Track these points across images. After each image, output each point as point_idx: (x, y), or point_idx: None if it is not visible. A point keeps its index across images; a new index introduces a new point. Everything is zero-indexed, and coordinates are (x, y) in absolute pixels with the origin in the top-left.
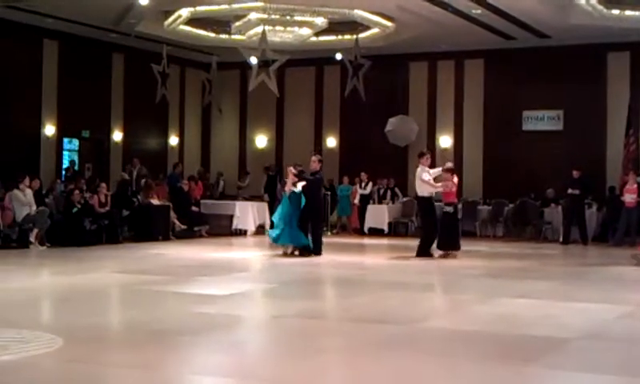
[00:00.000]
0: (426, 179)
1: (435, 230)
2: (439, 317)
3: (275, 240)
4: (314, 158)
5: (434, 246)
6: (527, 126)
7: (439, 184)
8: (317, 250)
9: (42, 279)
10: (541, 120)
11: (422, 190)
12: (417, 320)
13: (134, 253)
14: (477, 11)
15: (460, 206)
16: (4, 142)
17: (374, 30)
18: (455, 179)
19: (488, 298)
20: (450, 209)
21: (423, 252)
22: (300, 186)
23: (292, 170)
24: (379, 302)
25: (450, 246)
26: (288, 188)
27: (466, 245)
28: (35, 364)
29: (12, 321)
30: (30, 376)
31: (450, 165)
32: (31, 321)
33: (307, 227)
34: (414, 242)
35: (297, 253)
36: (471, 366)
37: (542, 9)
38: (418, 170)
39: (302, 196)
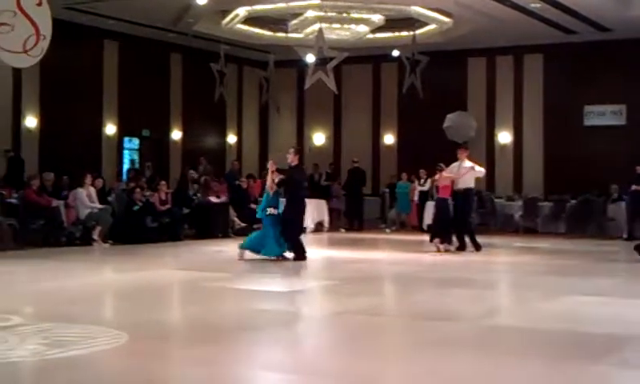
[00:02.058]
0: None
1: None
2: (503, 314)
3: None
4: (290, 150)
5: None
6: (589, 122)
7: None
8: (298, 254)
9: (106, 276)
10: (603, 115)
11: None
12: (481, 317)
13: (194, 250)
14: (536, 5)
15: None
16: (67, 141)
17: (432, 26)
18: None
19: (551, 295)
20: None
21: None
22: (277, 178)
23: (271, 165)
24: (441, 299)
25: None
26: (270, 184)
27: (527, 242)
28: (103, 359)
29: (78, 317)
30: (99, 370)
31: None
32: (97, 317)
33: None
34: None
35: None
36: (537, 364)
37: (602, 1)
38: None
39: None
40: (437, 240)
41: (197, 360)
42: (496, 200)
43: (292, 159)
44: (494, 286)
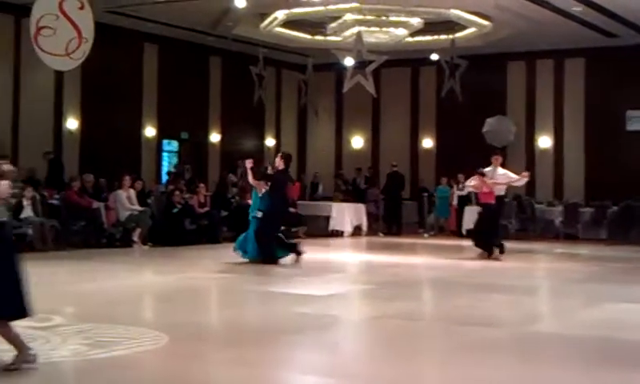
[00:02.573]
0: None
1: None
2: (544, 320)
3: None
4: (278, 154)
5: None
6: (631, 126)
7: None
8: (266, 258)
9: (146, 278)
10: None
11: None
12: (521, 323)
13: (232, 253)
14: (577, 8)
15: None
16: (107, 144)
17: (471, 30)
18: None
19: (592, 302)
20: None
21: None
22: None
23: (249, 162)
24: (479, 305)
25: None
26: (254, 183)
27: (567, 248)
28: (144, 360)
29: (119, 318)
30: (140, 371)
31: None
32: (137, 318)
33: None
34: (513, 245)
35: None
36: (578, 372)
37: None
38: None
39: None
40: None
41: (235, 362)
42: (536, 205)
43: (278, 163)
44: (533, 292)
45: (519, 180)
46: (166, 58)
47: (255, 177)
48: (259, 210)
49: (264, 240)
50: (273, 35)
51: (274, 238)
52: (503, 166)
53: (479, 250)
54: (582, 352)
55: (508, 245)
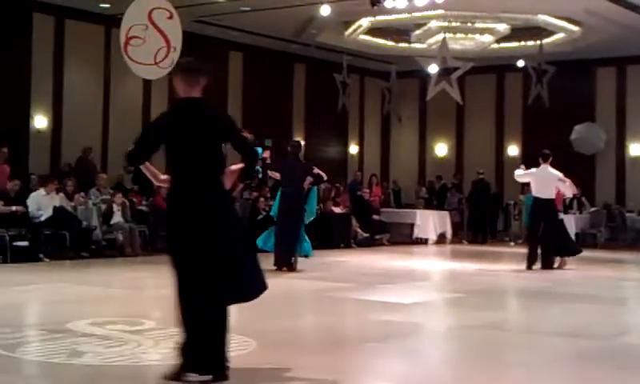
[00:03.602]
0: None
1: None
2: (635, 332)
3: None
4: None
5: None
6: None
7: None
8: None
9: None
10: None
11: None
12: (613, 335)
13: (316, 260)
14: None
15: None
16: None
17: (559, 35)
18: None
19: None
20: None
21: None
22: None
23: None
24: (569, 315)
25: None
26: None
27: None
28: (233, 364)
29: None
30: (231, 373)
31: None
32: None
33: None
34: (603, 254)
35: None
36: None
37: None
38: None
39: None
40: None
41: (321, 369)
42: (627, 214)
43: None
44: (624, 302)
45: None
46: (251, 66)
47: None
48: None
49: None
50: (357, 43)
51: (297, 237)
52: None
53: (566, 258)
54: None
55: (597, 254)
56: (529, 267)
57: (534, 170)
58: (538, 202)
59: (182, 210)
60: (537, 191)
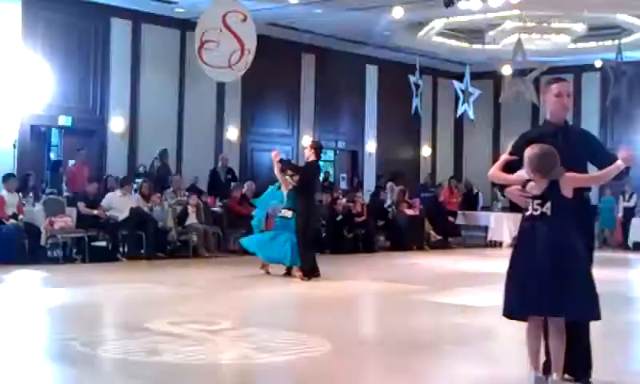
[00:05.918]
0: None
1: None
2: None
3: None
4: (307, 144)
5: None
6: None
7: None
8: (304, 268)
9: (306, 285)
10: None
11: None
12: None
13: (389, 261)
14: None
15: None
16: (266, 152)
17: (638, 35)
18: None
19: None
20: None
21: None
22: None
23: (275, 154)
24: None
25: None
26: (281, 180)
27: None
28: (309, 365)
29: (282, 324)
30: (306, 376)
31: None
32: (299, 324)
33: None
34: None
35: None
36: None
37: None
38: None
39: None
40: None
41: (397, 371)
42: None
43: (308, 154)
44: None
45: None
46: (324, 68)
47: (283, 170)
48: (288, 209)
49: (304, 246)
50: (430, 44)
51: (313, 243)
52: None
53: None
54: None
55: None
56: None
57: None
58: None
59: None
60: None
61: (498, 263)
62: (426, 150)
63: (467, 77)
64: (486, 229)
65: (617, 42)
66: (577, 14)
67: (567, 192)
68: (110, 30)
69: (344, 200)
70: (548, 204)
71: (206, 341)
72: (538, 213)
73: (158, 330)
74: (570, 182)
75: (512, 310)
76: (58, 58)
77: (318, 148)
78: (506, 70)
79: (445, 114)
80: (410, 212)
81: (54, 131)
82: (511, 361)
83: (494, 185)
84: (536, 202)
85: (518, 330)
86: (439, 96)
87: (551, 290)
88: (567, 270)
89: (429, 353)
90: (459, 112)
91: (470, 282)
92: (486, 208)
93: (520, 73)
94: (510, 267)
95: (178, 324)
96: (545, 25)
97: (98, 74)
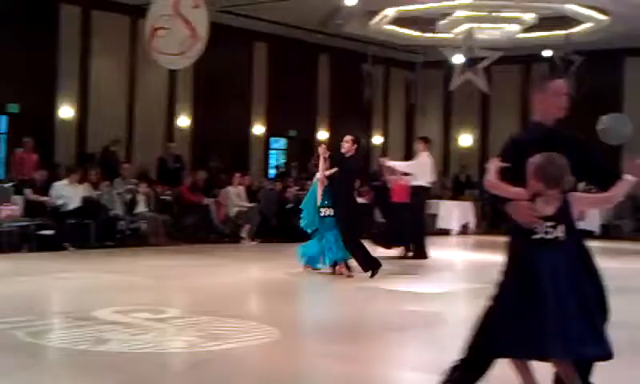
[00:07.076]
0: None
1: None
2: None
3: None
4: (347, 138)
5: None
6: None
7: None
8: (367, 265)
9: (254, 273)
10: None
11: None
12: None
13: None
14: None
15: None
16: (219, 141)
17: (587, 25)
18: None
19: None
20: None
21: None
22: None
23: (324, 150)
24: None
25: None
26: (321, 176)
27: None
28: (256, 353)
29: (231, 311)
30: (253, 363)
31: None
32: (248, 312)
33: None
34: (629, 245)
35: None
36: None
37: None
38: None
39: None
40: None
41: (345, 358)
42: None
43: (348, 148)
44: None
45: None
46: (275, 56)
47: (328, 168)
48: (328, 207)
49: (351, 242)
50: (382, 33)
51: (356, 236)
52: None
53: None
54: None
55: (622, 245)
56: None
57: None
58: None
59: None
60: None
61: (447, 251)
62: (377, 139)
63: (419, 66)
64: (434, 217)
65: (565, 32)
66: (527, 4)
67: (574, 213)
68: (58, 15)
69: (295, 188)
70: (562, 227)
71: (153, 329)
72: (551, 237)
73: (105, 319)
74: (578, 202)
75: (517, 351)
76: (4, 44)
77: (359, 142)
78: (457, 59)
79: (397, 103)
80: (360, 200)
81: (2, 118)
82: (459, 347)
83: (483, 197)
84: (547, 223)
85: (465, 315)
86: (391, 85)
87: (579, 331)
88: (591, 307)
89: (376, 339)
90: (410, 101)
91: (418, 270)
92: (437, 197)
93: (470, 62)
94: (506, 301)
95: (125, 313)
96: (496, 14)
97: (47, 60)
